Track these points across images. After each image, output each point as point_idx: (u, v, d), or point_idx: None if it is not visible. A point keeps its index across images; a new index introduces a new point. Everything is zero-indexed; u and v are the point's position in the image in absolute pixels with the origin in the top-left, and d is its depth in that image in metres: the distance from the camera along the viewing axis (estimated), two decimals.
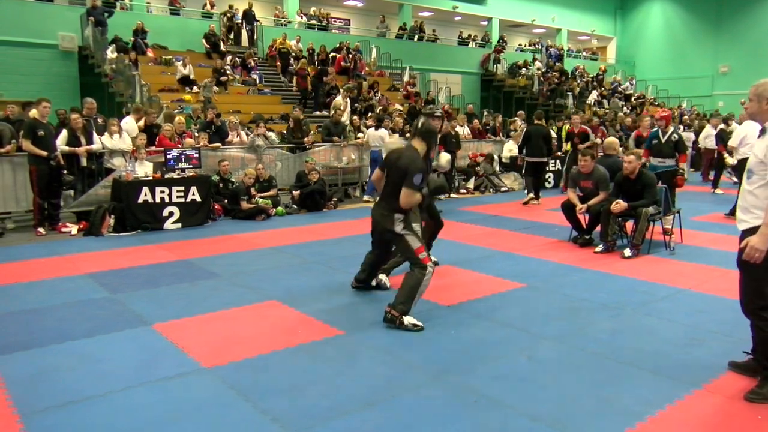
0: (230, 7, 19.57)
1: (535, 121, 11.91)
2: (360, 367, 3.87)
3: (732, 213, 9.48)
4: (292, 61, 19.09)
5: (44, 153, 8.23)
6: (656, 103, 27.24)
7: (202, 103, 13.12)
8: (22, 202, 8.91)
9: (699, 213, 9.78)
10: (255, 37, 19.64)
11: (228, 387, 3.56)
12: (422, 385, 3.60)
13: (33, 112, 9.14)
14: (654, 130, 8.96)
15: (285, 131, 12.46)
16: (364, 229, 8.72)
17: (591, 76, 28.38)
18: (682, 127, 18.16)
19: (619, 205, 6.83)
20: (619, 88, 27.87)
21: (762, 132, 3.41)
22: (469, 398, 3.42)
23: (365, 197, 11.61)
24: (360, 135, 12.66)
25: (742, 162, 9.26)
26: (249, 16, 19.54)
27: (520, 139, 12.53)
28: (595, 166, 7.43)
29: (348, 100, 15.49)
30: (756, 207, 3.32)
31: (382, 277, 5.64)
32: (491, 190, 13.19)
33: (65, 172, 8.61)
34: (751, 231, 3.30)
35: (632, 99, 27.09)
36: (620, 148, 10.32)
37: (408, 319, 4.51)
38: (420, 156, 4.70)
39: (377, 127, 12.20)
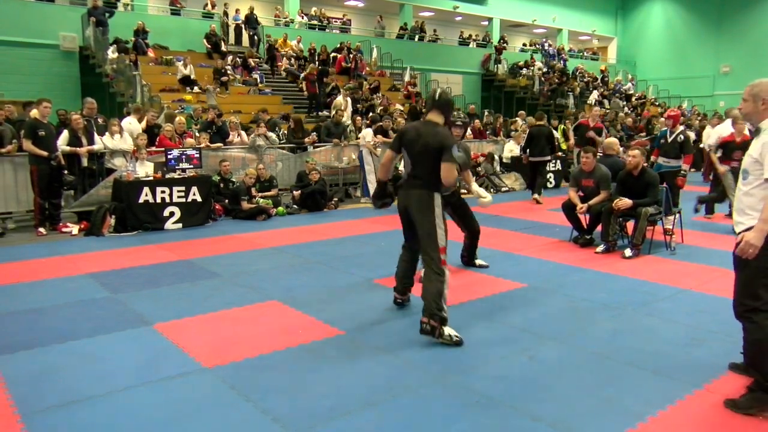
0: (225, 5, 19.53)
1: (537, 122, 11.99)
2: (361, 367, 3.87)
3: (731, 214, 9.47)
4: (292, 60, 19.12)
5: (45, 153, 8.24)
6: (657, 103, 27.25)
7: (210, 108, 12.89)
8: (23, 202, 8.91)
9: (700, 213, 9.77)
10: (258, 41, 19.44)
11: (229, 387, 3.57)
12: (423, 385, 3.60)
13: (34, 112, 9.15)
14: (663, 129, 8.94)
15: (286, 131, 12.44)
16: (365, 229, 8.77)
17: (590, 74, 28.37)
18: (682, 126, 18.15)
19: (622, 201, 6.82)
20: (622, 89, 27.87)
21: (756, 132, 3.38)
22: (470, 398, 3.42)
23: (363, 199, 11.57)
24: (361, 135, 12.64)
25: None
26: (252, 20, 19.31)
27: (522, 140, 12.69)
28: (596, 164, 7.43)
29: (349, 99, 15.48)
30: (752, 208, 3.25)
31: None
32: (492, 190, 13.17)
33: (66, 172, 8.62)
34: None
35: (633, 99, 27.09)
36: (620, 149, 10.37)
37: (448, 330, 4.22)
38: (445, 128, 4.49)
39: (369, 126, 12.12)
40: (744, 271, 3.29)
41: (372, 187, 11.45)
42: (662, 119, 13.17)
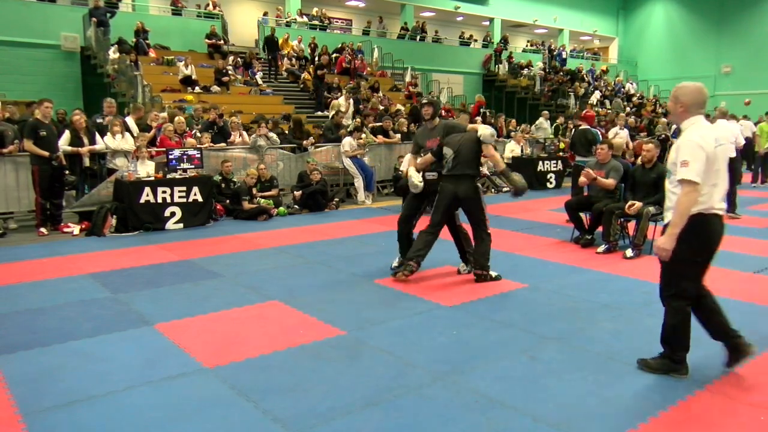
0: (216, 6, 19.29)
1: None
2: (362, 367, 3.87)
3: (730, 211, 9.57)
4: (293, 60, 19.07)
5: (46, 153, 8.25)
6: (658, 103, 27.20)
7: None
8: (24, 202, 8.91)
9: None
10: (276, 67, 18.76)
11: (229, 387, 3.57)
12: (424, 385, 3.60)
13: (36, 112, 9.16)
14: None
15: (287, 131, 12.42)
16: (366, 229, 8.77)
17: (585, 72, 28.35)
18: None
19: (635, 206, 6.83)
20: (624, 89, 27.85)
21: (677, 133, 3.56)
22: (470, 398, 3.42)
23: (361, 199, 11.54)
24: (362, 136, 12.60)
25: None
26: (271, 43, 18.65)
27: (523, 140, 13.52)
28: (611, 157, 7.55)
29: (351, 101, 15.46)
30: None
31: (463, 267, 6.27)
32: (493, 190, 13.18)
33: (67, 172, 8.63)
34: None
35: (634, 99, 27.05)
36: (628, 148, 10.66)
37: (493, 273, 5.87)
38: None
39: (351, 134, 11.94)
40: (664, 263, 3.61)
41: (362, 189, 11.50)
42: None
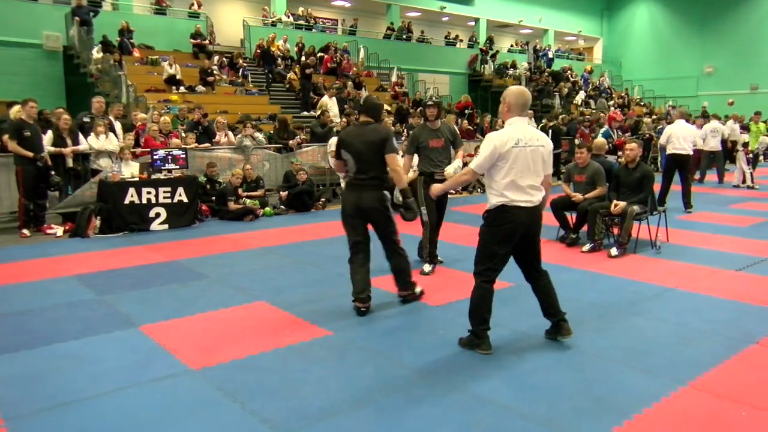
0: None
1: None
2: (349, 368, 3.86)
3: (687, 207, 10.02)
4: (279, 61, 18.99)
5: (30, 154, 8.14)
6: (642, 103, 27.45)
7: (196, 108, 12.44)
8: (5, 203, 8.80)
9: (685, 212, 9.87)
10: (272, 80, 18.25)
11: (216, 388, 3.55)
12: (412, 384, 3.60)
13: (15, 110, 9.01)
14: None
15: (272, 131, 12.38)
16: None
17: (578, 76, 28.52)
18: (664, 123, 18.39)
19: (618, 206, 6.91)
20: (601, 87, 28.01)
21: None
22: (459, 397, 3.42)
23: None
24: (328, 143, 12.46)
25: (673, 157, 10.06)
26: (268, 56, 18.32)
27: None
28: (590, 161, 7.53)
29: (335, 98, 15.43)
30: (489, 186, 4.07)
31: (428, 267, 6.16)
32: (479, 190, 13.23)
33: (53, 173, 8.52)
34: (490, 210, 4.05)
35: (615, 97, 27.15)
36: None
37: (417, 289, 5.25)
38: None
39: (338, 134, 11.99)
40: (479, 245, 4.14)
41: None
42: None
